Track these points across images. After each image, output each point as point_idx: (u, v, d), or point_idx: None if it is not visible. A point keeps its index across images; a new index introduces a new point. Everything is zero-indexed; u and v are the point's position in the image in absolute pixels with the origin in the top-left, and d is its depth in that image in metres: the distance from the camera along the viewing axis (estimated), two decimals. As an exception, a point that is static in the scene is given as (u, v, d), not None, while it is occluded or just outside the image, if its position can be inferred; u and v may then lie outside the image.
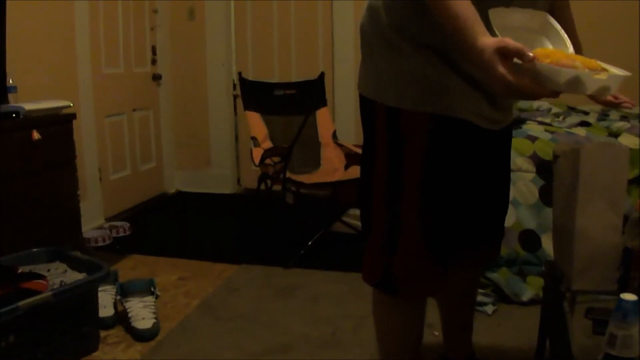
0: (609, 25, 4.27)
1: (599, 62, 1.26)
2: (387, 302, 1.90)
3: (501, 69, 1.25)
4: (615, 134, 3.14)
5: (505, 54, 1.26)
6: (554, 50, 1.29)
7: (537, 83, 1.24)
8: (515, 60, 1.26)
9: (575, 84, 1.20)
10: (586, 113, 3.79)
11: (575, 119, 3.56)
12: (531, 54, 1.22)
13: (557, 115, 3.72)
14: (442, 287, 1.97)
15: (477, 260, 2.14)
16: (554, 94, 1.25)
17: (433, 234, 1.73)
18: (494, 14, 1.36)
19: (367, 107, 1.78)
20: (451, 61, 1.58)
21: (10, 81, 3.37)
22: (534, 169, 3.01)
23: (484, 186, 1.87)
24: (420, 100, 1.62)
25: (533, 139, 3.07)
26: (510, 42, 1.26)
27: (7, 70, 3.29)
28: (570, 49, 1.36)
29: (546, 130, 3.17)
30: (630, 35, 4.30)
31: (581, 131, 3.22)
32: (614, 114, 3.74)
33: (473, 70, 1.54)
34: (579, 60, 1.24)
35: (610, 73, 1.23)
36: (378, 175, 1.76)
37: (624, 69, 1.28)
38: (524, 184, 3.01)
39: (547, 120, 3.46)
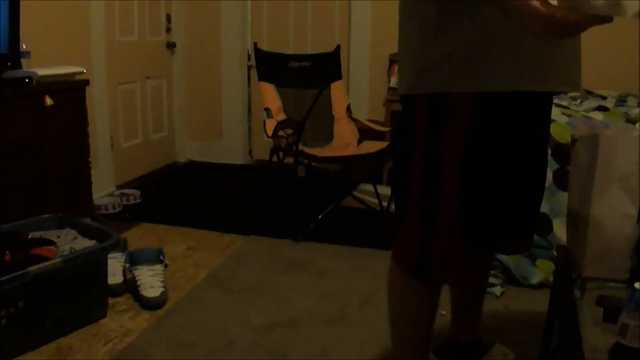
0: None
1: None
2: (405, 282, 1.88)
3: (533, 3, 1.20)
4: (633, 121, 3.11)
5: None
6: None
7: (572, 11, 1.18)
8: None
9: (613, 3, 1.15)
10: (604, 98, 3.75)
11: (592, 103, 3.52)
12: None
13: (574, 98, 3.68)
14: (476, 276, 1.95)
15: (509, 251, 2.12)
16: (595, 20, 1.20)
17: (472, 222, 1.70)
18: None
19: (407, 103, 1.74)
20: (501, 30, 1.53)
21: (24, 46, 3.36)
22: (549, 152, 2.98)
23: (523, 171, 1.83)
24: (470, 80, 1.57)
25: (549, 121, 3.03)
26: None
27: (21, 36, 3.28)
28: None
29: (563, 114, 3.14)
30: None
31: (598, 116, 3.18)
32: (631, 100, 3.69)
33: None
34: None
35: None
36: (415, 161, 1.72)
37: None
38: (538, 167, 2.98)
39: (564, 103, 3.42)
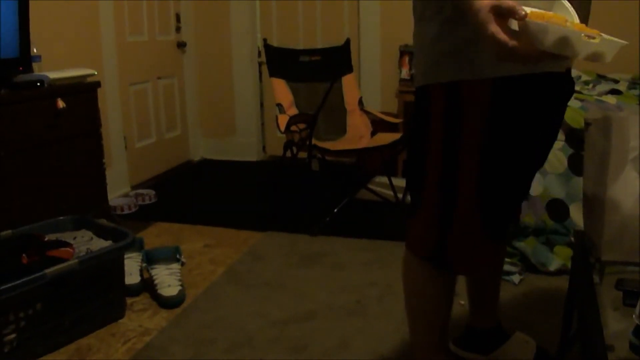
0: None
1: (600, 33, 1.21)
2: (421, 271, 1.88)
3: (492, 28, 1.22)
4: (647, 102, 3.08)
5: (499, 12, 1.22)
6: (552, 14, 1.24)
7: (527, 43, 1.20)
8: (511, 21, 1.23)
9: (563, 44, 1.15)
10: (616, 81, 3.72)
11: (605, 87, 3.49)
12: (523, 12, 1.18)
13: (586, 83, 3.65)
14: (496, 264, 1.94)
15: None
16: (547, 57, 1.20)
17: (491, 208, 1.70)
18: None
19: (421, 94, 1.72)
20: None
21: (35, 50, 3.38)
22: (563, 137, 2.97)
23: (537, 152, 1.82)
24: (492, 65, 1.51)
25: (562, 106, 3.01)
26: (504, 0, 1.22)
27: (32, 40, 3.29)
28: (576, 21, 1.31)
29: (576, 98, 3.11)
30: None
31: (611, 99, 3.16)
32: (645, 82, 3.66)
33: None
34: (576, 26, 1.20)
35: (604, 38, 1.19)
36: (432, 150, 1.71)
37: (635, 48, 1.24)
38: (552, 153, 2.96)
39: (577, 88, 3.40)
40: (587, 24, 1.60)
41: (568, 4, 1.27)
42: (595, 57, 1.17)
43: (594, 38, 1.15)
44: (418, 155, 1.78)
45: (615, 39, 1.17)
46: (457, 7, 1.37)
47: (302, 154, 4.02)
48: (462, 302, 2.60)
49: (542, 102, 1.70)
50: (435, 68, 1.63)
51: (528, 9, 1.19)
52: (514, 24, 1.22)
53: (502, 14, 1.22)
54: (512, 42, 1.21)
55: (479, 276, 2.20)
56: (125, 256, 2.87)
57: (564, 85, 1.80)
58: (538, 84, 1.62)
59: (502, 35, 1.21)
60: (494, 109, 1.60)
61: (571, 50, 1.16)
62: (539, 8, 1.23)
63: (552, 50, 1.17)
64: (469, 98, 1.61)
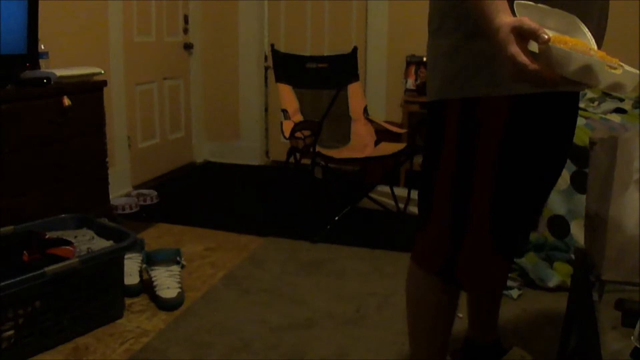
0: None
1: (619, 62, 1.19)
2: (426, 283, 1.87)
3: (513, 49, 1.18)
4: (651, 122, 3.09)
5: (521, 33, 1.19)
6: (575, 39, 1.22)
7: (548, 68, 1.17)
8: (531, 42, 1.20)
9: (586, 72, 1.13)
10: (621, 100, 3.72)
11: (610, 105, 3.49)
12: (547, 36, 1.15)
13: (591, 100, 3.66)
14: (504, 281, 1.92)
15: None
16: (567, 82, 1.18)
17: (503, 226, 1.69)
18: (520, 6, 1.28)
19: (435, 108, 1.70)
20: None
21: (42, 47, 3.39)
22: (566, 154, 2.97)
23: (548, 172, 1.82)
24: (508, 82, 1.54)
25: (567, 123, 3.01)
26: (526, 21, 1.18)
27: (39, 36, 3.30)
28: (594, 46, 1.29)
29: (580, 116, 3.11)
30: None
31: (616, 118, 3.16)
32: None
33: None
34: (598, 53, 1.18)
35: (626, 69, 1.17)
36: (443, 166, 1.70)
37: None
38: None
39: (582, 105, 3.40)
40: (603, 37, 1.60)
41: (585, 28, 1.26)
42: (615, 88, 1.16)
43: (615, 68, 1.14)
44: (430, 170, 1.77)
45: (636, 71, 1.16)
46: (477, 24, 1.36)
47: (306, 161, 4.02)
48: (461, 315, 2.59)
49: (556, 120, 1.69)
50: (452, 83, 1.61)
51: (551, 33, 1.17)
52: (533, 46, 1.20)
53: (523, 36, 1.19)
54: (532, 65, 1.17)
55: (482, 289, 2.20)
56: (125, 256, 2.87)
57: (573, 103, 1.80)
58: (553, 102, 1.61)
59: (523, 58, 1.18)
60: (510, 125, 1.59)
61: (593, 79, 1.13)
62: (556, 30, 1.22)
63: (573, 78, 1.15)
64: (485, 114, 1.59)
